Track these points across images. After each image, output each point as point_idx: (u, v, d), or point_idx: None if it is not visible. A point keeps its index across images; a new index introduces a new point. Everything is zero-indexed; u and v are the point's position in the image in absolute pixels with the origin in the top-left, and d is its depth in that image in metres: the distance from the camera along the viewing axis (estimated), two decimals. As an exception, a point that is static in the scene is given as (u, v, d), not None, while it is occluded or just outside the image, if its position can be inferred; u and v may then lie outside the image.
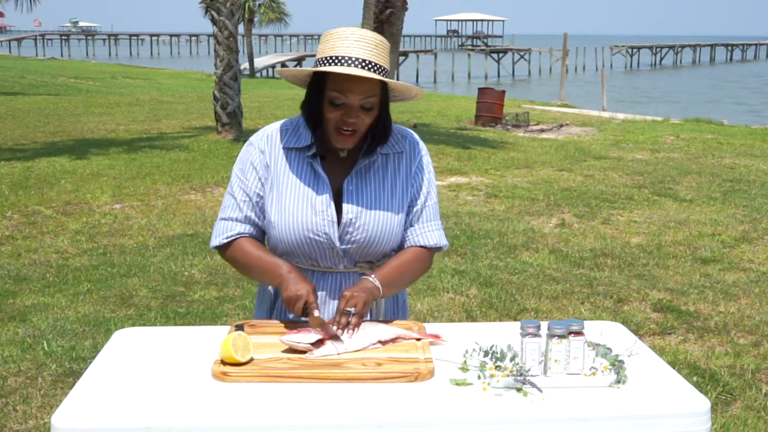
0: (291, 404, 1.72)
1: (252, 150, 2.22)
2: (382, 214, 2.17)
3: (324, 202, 2.15)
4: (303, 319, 2.09)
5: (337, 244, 2.15)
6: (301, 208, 2.15)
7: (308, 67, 2.15)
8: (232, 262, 2.25)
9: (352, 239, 2.16)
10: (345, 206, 2.15)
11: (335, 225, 2.15)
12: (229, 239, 2.22)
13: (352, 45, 2.05)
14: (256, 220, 2.22)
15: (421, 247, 2.24)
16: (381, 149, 2.20)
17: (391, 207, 2.19)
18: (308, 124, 2.17)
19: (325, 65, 2.06)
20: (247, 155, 2.23)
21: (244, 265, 2.22)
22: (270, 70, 38.90)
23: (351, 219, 2.15)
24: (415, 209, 2.24)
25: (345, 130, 2.09)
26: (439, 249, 2.28)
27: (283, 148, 2.19)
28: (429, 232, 2.25)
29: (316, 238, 2.14)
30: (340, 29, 2.10)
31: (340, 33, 2.08)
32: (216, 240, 2.23)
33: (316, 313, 2.04)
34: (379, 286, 2.13)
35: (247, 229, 2.22)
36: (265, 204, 2.19)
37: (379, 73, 2.05)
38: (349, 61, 2.03)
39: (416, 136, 2.29)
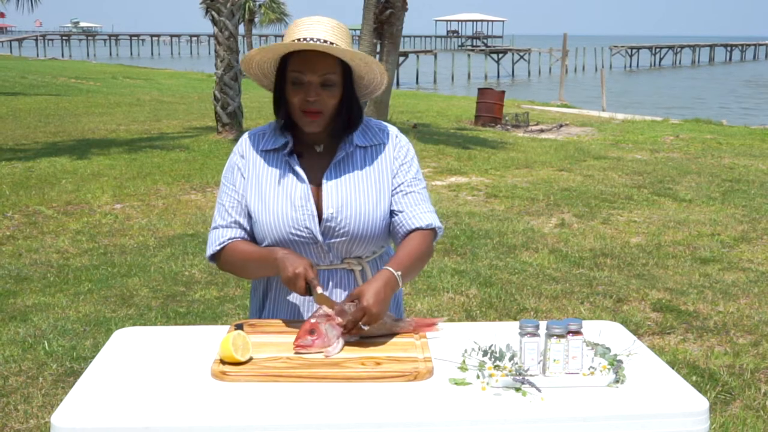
0: (290, 404, 1.72)
1: (234, 156, 2.26)
2: (364, 208, 2.17)
3: (303, 197, 2.16)
4: (302, 315, 2.09)
5: (320, 238, 2.16)
6: (281, 205, 2.16)
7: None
8: (229, 267, 2.25)
9: (336, 234, 2.16)
10: (325, 201, 2.16)
11: (316, 219, 2.15)
12: (222, 245, 2.22)
13: (308, 28, 2.10)
14: (246, 222, 2.23)
15: (417, 229, 2.21)
16: (358, 142, 2.22)
17: (372, 200, 2.19)
18: (280, 120, 2.19)
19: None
20: (230, 162, 2.27)
21: (241, 265, 2.22)
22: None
23: (332, 213, 2.15)
24: (401, 197, 2.22)
25: (309, 111, 2.11)
26: (434, 231, 2.25)
27: (261, 150, 2.23)
28: (421, 214, 2.22)
29: (299, 233, 2.15)
30: (299, 20, 2.16)
31: (298, 22, 2.15)
32: (209, 249, 2.24)
33: (319, 290, 2.03)
34: (399, 278, 2.08)
35: (237, 233, 2.22)
36: (248, 204, 2.21)
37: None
38: (305, 41, 2.08)
39: (396, 129, 2.30)
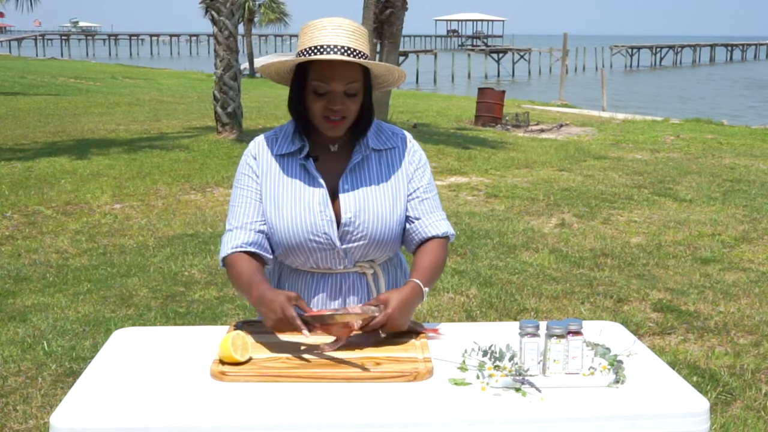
0: (289, 404, 1.72)
1: (246, 158, 2.23)
2: (381, 211, 2.16)
3: (321, 202, 2.13)
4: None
5: (338, 244, 2.14)
6: (299, 211, 2.13)
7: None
8: (230, 278, 2.20)
9: (353, 238, 2.15)
10: (343, 206, 2.14)
11: (334, 224, 2.13)
12: (233, 250, 2.14)
13: (330, 34, 2.06)
14: (259, 221, 2.17)
15: (433, 237, 2.22)
16: (373, 145, 2.20)
17: (389, 204, 2.17)
18: (297, 122, 2.17)
19: (306, 56, 2.06)
20: (242, 164, 2.23)
21: (234, 282, 2.16)
22: (270, 70, 38.86)
23: (350, 218, 2.13)
24: (417, 203, 2.22)
25: (332, 118, 2.09)
26: (448, 238, 2.26)
27: (275, 155, 2.19)
28: (437, 222, 2.23)
29: (317, 238, 2.13)
30: (317, 20, 2.11)
31: (317, 24, 2.10)
32: (223, 251, 2.17)
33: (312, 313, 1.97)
34: (425, 290, 2.11)
35: (252, 236, 2.15)
36: (264, 210, 2.18)
37: (360, 58, 2.05)
38: (329, 49, 2.03)
39: (407, 133, 2.29)
